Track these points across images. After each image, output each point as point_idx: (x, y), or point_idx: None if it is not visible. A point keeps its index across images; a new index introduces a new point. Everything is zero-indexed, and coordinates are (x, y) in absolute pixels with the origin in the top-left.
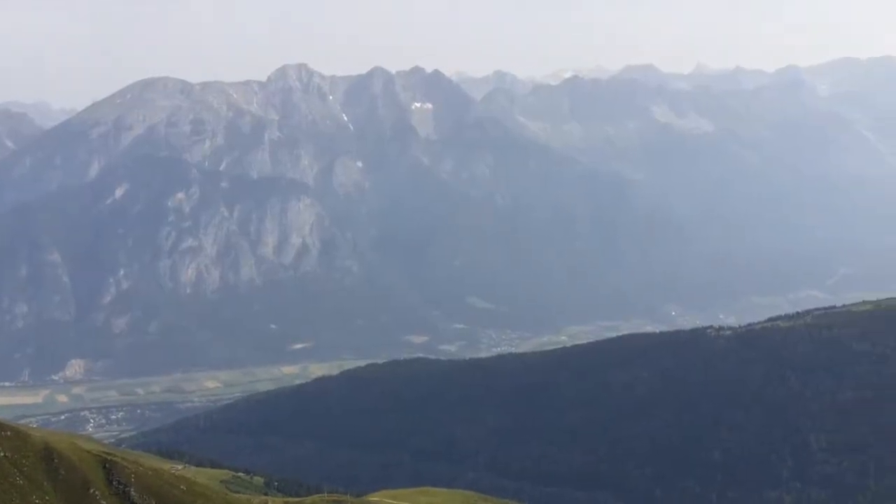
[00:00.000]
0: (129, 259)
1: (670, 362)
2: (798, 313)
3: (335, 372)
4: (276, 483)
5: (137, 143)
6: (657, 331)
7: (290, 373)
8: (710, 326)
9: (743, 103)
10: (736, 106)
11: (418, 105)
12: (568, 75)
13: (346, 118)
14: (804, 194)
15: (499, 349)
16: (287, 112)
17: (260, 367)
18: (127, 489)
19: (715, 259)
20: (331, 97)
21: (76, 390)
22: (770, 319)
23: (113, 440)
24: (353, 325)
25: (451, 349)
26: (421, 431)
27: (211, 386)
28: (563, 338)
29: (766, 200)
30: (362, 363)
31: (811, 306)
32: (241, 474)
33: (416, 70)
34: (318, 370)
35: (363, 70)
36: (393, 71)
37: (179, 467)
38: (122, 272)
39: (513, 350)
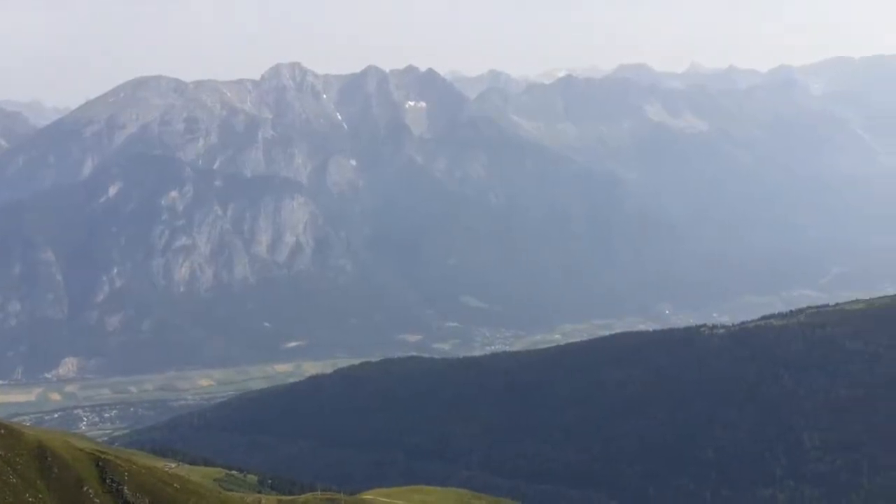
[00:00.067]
0: (123, 257)
1: (664, 361)
2: (791, 312)
3: (329, 370)
4: (269, 481)
5: (131, 142)
6: (651, 329)
7: (284, 371)
8: (704, 325)
9: (736, 103)
10: (729, 105)
11: (412, 104)
12: (562, 74)
13: (339, 117)
14: (797, 193)
15: (492, 348)
16: (281, 111)
17: (253, 366)
18: (120, 487)
19: (708, 258)
20: (324, 96)
21: (69, 388)
22: (763, 318)
23: (106, 438)
24: (347, 324)
25: (444, 348)
26: (415, 430)
27: (204, 384)
28: (557, 336)
29: (759, 199)
30: (356, 361)
31: (804, 305)
32: (234, 472)
33: (410, 69)
34: (311, 368)
35: (357, 69)
36: (387, 70)
37: (173, 465)
38: (115, 270)
39: (506, 348)
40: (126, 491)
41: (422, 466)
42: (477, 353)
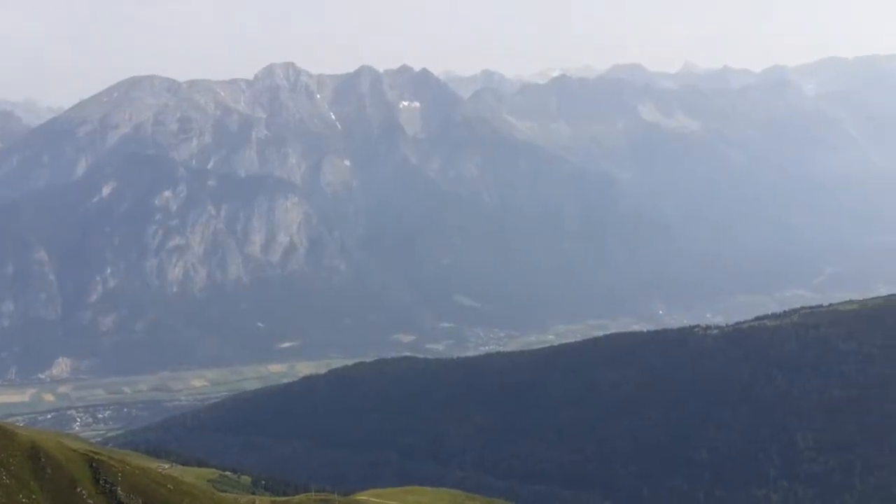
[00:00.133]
0: (116, 257)
1: (658, 361)
2: (785, 312)
3: (323, 371)
4: (263, 482)
5: (124, 142)
6: (644, 330)
7: (278, 371)
8: (698, 325)
9: (730, 103)
10: (723, 105)
11: (406, 104)
12: (555, 74)
13: (333, 117)
14: (791, 194)
15: (486, 348)
16: (274, 110)
17: (247, 366)
18: (114, 488)
19: (702, 258)
20: (318, 96)
21: (63, 389)
22: (757, 318)
23: (100, 439)
24: (341, 324)
25: (438, 348)
26: (408, 430)
27: (198, 384)
28: (551, 337)
29: (752, 200)
30: (350, 362)
31: (798, 305)
32: (228, 473)
33: (404, 69)
34: (305, 369)
35: (351, 69)
36: (381, 70)
37: (166, 466)
38: (108, 270)
39: (500, 349)
40: (120, 492)
41: (416, 467)
42: (471, 353)
